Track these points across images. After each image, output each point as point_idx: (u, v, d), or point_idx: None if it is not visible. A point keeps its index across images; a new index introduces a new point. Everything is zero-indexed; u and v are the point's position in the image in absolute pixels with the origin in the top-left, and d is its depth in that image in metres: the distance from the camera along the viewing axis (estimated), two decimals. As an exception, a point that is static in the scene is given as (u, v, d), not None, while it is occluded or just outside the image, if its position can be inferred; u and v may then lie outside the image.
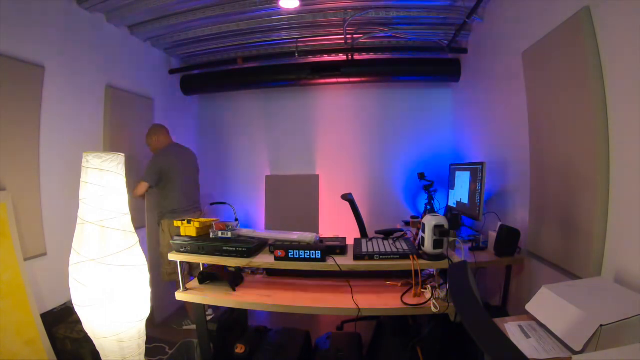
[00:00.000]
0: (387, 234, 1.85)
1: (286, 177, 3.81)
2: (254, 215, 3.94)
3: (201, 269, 1.79)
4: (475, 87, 2.97)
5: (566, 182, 1.60)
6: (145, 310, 1.27)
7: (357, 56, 3.32)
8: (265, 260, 1.59)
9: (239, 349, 1.84)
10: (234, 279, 1.68)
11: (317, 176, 3.76)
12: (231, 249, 1.60)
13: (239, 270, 1.80)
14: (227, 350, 1.92)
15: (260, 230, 1.81)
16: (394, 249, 1.57)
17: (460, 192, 2.55)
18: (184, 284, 1.68)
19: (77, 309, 1.16)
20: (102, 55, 2.60)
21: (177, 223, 1.75)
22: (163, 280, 2.59)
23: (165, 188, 2.63)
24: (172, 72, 3.57)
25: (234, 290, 1.62)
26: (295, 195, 3.73)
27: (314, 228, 3.61)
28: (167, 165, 2.61)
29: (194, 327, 1.71)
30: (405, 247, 1.60)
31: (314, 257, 1.52)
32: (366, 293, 1.57)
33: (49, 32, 2.16)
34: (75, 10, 2.36)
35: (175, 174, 2.63)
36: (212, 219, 1.82)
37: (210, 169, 3.84)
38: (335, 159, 3.78)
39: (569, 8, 1.51)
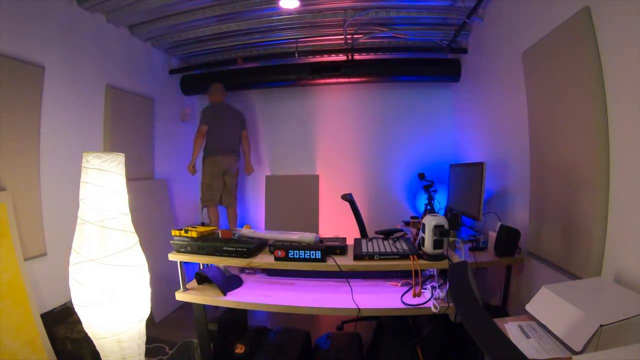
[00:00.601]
0: (387, 234, 1.85)
1: (286, 177, 3.81)
2: (254, 215, 3.94)
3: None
4: (475, 87, 2.97)
5: (566, 182, 1.60)
6: (145, 310, 1.27)
7: (357, 56, 3.32)
8: (265, 260, 1.59)
9: (239, 349, 1.84)
10: (227, 283, 1.66)
11: (317, 176, 3.76)
12: (231, 249, 1.60)
13: (234, 277, 1.78)
14: (227, 350, 1.92)
15: (260, 230, 1.81)
16: (394, 249, 1.57)
17: (460, 192, 2.55)
18: (184, 284, 1.68)
19: (77, 309, 1.16)
20: (102, 55, 2.60)
21: (174, 232, 1.74)
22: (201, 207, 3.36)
23: (208, 133, 3.31)
24: (172, 72, 3.57)
25: (225, 295, 1.61)
26: (295, 196, 3.73)
27: (314, 228, 3.60)
28: (207, 115, 3.30)
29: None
30: (405, 247, 1.60)
31: (314, 257, 1.52)
32: (366, 293, 1.57)
33: (49, 32, 2.16)
34: (75, 10, 2.36)
35: (213, 123, 3.29)
36: (211, 227, 1.82)
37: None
38: (335, 159, 3.78)
39: (569, 8, 1.51)
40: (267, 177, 3.85)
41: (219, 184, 3.32)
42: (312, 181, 3.74)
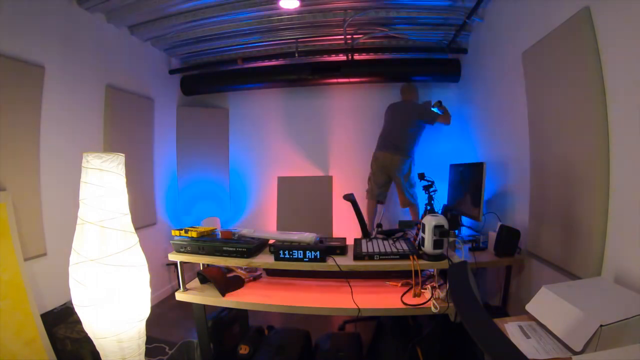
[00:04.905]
0: (388, 234, 1.85)
1: (299, 179, 3.74)
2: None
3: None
4: (475, 87, 2.97)
5: (566, 182, 1.60)
6: (145, 310, 1.27)
7: (357, 56, 3.32)
8: (265, 260, 1.59)
9: (243, 349, 1.84)
10: (225, 284, 1.66)
11: (331, 177, 3.71)
12: (231, 249, 1.60)
13: (235, 278, 1.78)
14: (226, 348, 1.92)
15: (260, 231, 1.81)
16: (394, 249, 1.57)
17: (460, 192, 2.55)
18: (184, 284, 1.68)
19: (77, 309, 1.16)
20: (102, 55, 2.60)
21: (174, 232, 1.74)
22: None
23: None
24: (172, 72, 3.57)
25: (223, 296, 1.61)
26: (308, 197, 3.65)
27: (328, 230, 3.54)
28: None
29: None
30: (405, 247, 1.60)
31: (314, 257, 1.52)
32: (366, 293, 1.57)
33: (49, 32, 2.16)
34: (76, 11, 2.36)
35: (385, 120, 3.34)
36: (211, 227, 1.82)
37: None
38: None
39: (569, 8, 1.51)
40: (279, 178, 3.80)
41: (378, 179, 3.24)
42: (325, 182, 3.69)
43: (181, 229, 1.73)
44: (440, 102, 3.20)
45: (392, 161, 3.15)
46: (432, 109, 3.22)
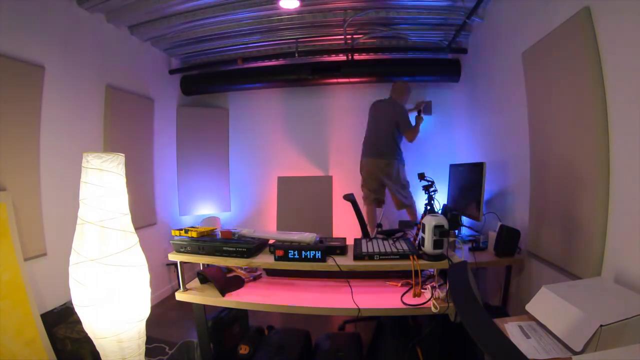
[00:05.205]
0: (388, 234, 1.85)
1: (298, 179, 3.75)
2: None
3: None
4: (475, 87, 2.97)
5: (566, 182, 1.60)
6: (145, 310, 1.27)
7: (357, 56, 3.32)
8: (265, 260, 1.59)
9: (243, 349, 1.83)
10: (225, 285, 1.66)
11: (331, 177, 3.72)
12: (231, 249, 1.60)
13: (235, 278, 1.78)
14: (226, 348, 1.92)
15: (260, 231, 1.81)
16: (394, 249, 1.57)
17: (460, 192, 2.55)
18: (184, 284, 1.68)
19: (77, 309, 1.16)
20: (102, 55, 2.60)
21: (174, 232, 1.74)
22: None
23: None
24: (172, 72, 3.57)
25: (223, 296, 1.61)
26: (308, 197, 3.66)
27: (328, 230, 3.54)
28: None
29: None
30: (405, 247, 1.60)
31: (314, 257, 1.52)
32: (366, 293, 1.57)
33: (49, 32, 2.16)
34: (76, 11, 2.36)
35: (368, 122, 3.24)
36: (211, 227, 1.82)
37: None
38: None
39: (569, 8, 1.51)
40: (279, 178, 3.80)
41: (370, 185, 3.15)
42: (325, 182, 3.69)
43: (181, 229, 1.73)
44: (420, 115, 3.26)
45: (378, 166, 3.07)
46: (419, 112, 3.26)
